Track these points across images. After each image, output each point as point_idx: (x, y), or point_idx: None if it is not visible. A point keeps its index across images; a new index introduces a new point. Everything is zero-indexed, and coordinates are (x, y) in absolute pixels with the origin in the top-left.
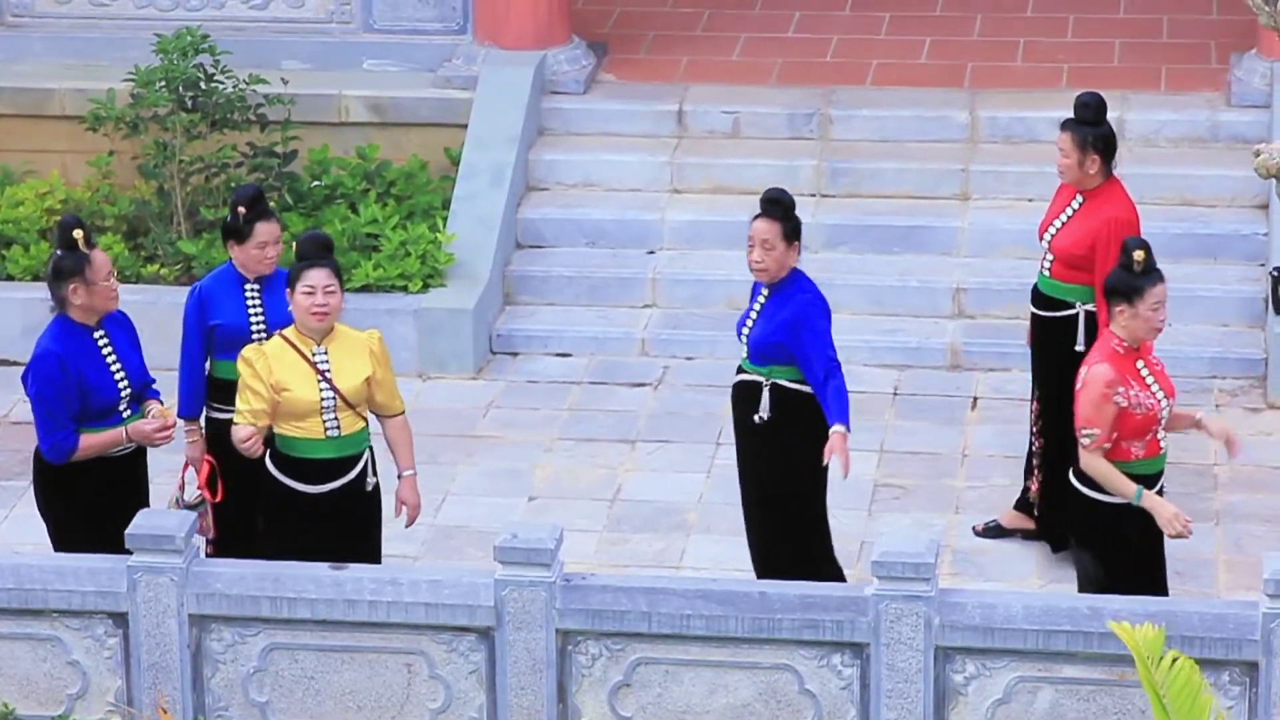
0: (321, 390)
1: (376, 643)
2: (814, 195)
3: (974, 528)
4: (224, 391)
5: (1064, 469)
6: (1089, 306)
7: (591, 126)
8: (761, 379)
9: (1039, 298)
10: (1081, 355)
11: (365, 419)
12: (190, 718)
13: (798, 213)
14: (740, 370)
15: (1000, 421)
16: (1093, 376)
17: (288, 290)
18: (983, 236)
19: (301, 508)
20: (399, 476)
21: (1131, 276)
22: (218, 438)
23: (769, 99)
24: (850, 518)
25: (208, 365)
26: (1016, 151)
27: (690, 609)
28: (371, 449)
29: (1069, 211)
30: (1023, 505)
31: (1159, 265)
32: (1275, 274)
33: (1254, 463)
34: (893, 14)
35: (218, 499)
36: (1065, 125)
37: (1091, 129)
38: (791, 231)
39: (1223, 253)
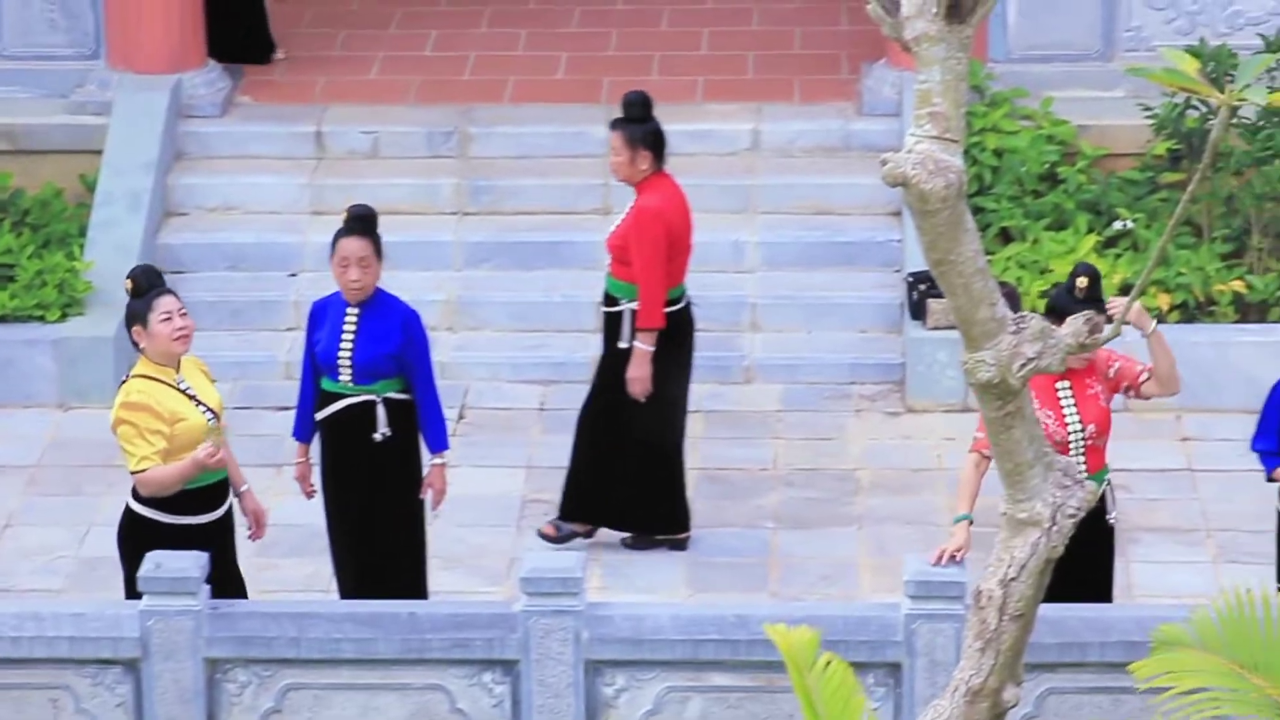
0: (204, 414)
1: (20, 679)
2: (455, 214)
3: (623, 540)
4: None
5: (580, 448)
6: (633, 305)
7: (229, 150)
8: (373, 397)
9: (605, 296)
10: (625, 352)
11: None
12: None
13: (438, 232)
14: (337, 396)
15: None
16: None
17: (135, 327)
18: None
19: (190, 541)
20: (239, 493)
21: (1070, 300)
22: None
23: (407, 118)
24: (499, 534)
25: None
26: None
27: (339, 632)
28: None
29: (624, 210)
30: None
31: (796, 273)
32: (911, 280)
33: (894, 466)
34: (529, 30)
35: None
36: (615, 125)
37: (640, 126)
38: (379, 247)
39: (859, 260)
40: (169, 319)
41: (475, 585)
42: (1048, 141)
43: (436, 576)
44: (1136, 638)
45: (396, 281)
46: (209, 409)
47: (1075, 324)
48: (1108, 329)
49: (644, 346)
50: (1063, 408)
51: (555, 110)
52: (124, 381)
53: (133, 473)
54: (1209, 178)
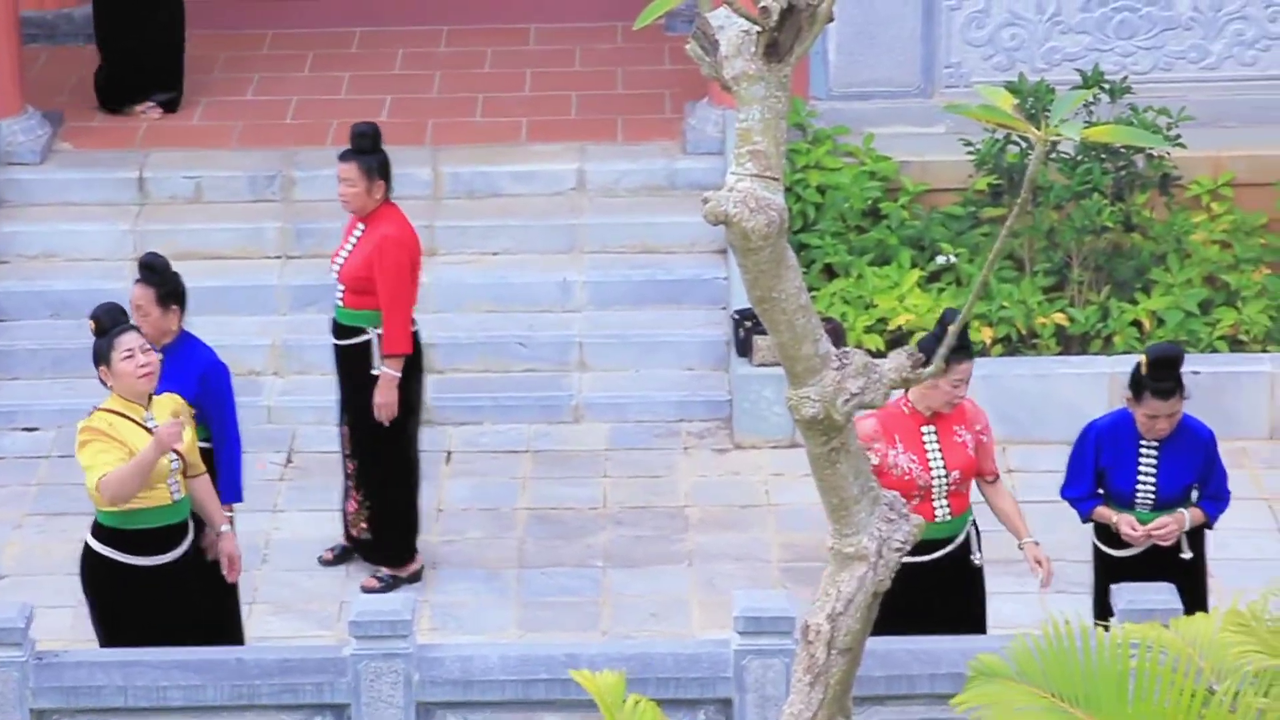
0: (169, 454)
1: None
2: (280, 257)
3: (320, 557)
4: None
5: (383, 487)
6: (379, 330)
7: (50, 197)
8: None
9: (337, 329)
10: (376, 377)
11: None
12: None
13: (263, 276)
14: None
15: (474, 474)
16: (857, 429)
17: (101, 366)
18: (449, 291)
19: (150, 581)
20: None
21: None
22: None
23: (230, 163)
24: (328, 578)
25: None
26: (480, 206)
27: (167, 680)
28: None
29: (353, 240)
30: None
31: (623, 311)
32: (737, 317)
33: (723, 503)
34: (352, 73)
35: None
36: (347, 156)
37: (373, 157)
38: (167, 295)
39: (685, 298)
40: (131, 356)
41: (305, 630)
42: (870, 178)
43: (265, 622)
44: (964, 670)
45: (222, 326)
46: (175, 451)
47: (898, 359)
48: (930, 366)
49: (391, 372)
50: (928, 453)
51: None
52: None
53: (94, 488)
54: (1029, 212)
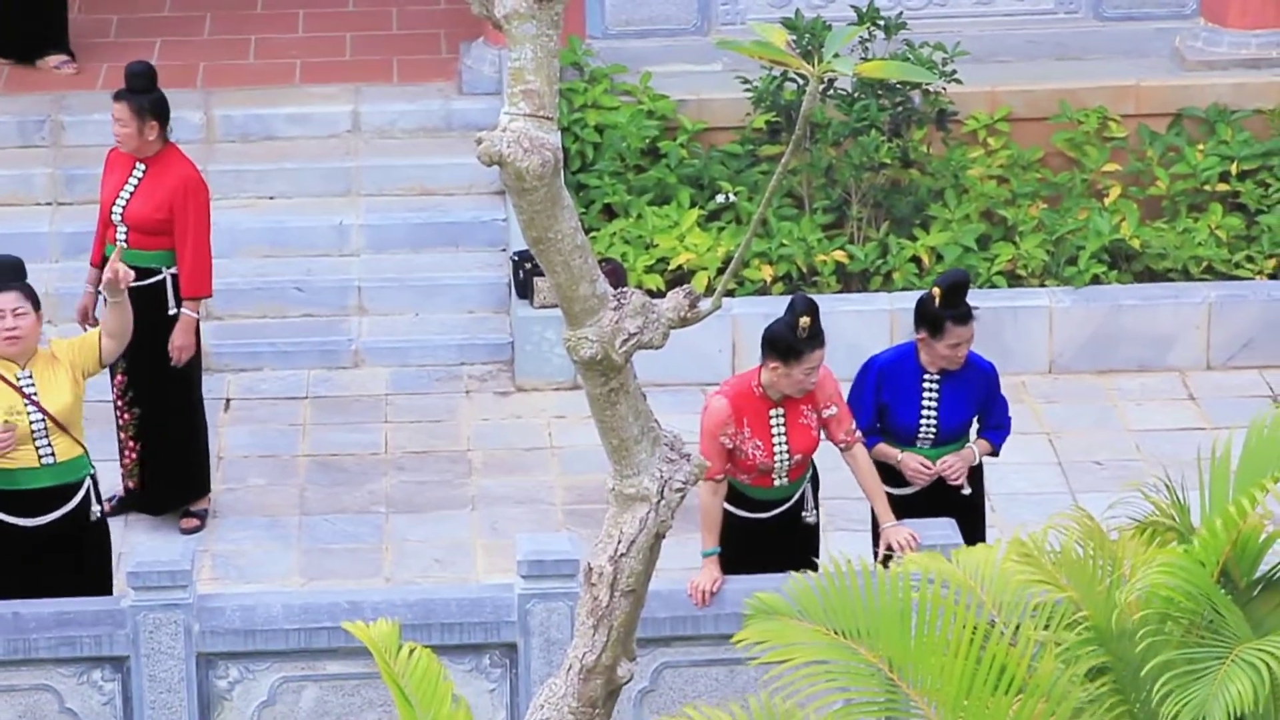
0: (30, 415)
1: None
2: (50, 204)
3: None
4: None
5: (164, 433)
6: (174, 270)
7: None
8: None
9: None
10: (174, 318)
11: (83, 444)
12: None
13: (34, 223)
14: None
15: (254, 421)
16: (709, 412)
17: None
18: (225, 236)
19: (16, 543)
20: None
21: (793, 338)
22: None
23: None
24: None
25: None
26: (254, 149)
27: None
28: (95, 477)
29: (134, 181)
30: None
31: (402, 255)
32: (516, 258)
33: (506, 446)
34: (121, 16)
35: None
36: (119, 96)
37: (145, 97)
38: None
39: (464, 240)
40: (1, 316)
41: None
42: (648, 117)
43: None
44: (748, 610)
45: None
46: (42, 410)
47: (676, 298)
48: (707, 302)
49: (192, 314)
50: (773, 437)
51: None
52: None
53: None
54: (806, 149)
